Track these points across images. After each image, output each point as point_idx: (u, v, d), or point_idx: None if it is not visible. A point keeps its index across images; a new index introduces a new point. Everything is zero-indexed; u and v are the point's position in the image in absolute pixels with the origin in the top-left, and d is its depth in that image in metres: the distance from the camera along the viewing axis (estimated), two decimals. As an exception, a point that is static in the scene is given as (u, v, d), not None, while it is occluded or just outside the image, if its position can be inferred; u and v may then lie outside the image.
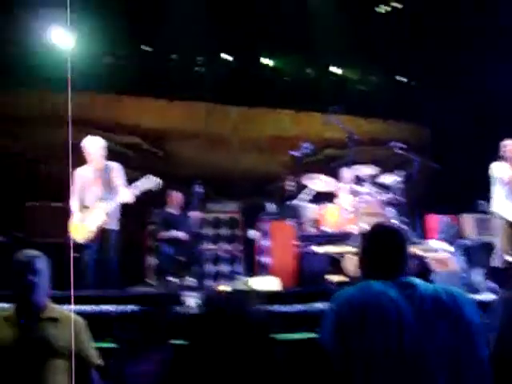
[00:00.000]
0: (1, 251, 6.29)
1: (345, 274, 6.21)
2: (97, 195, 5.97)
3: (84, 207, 5.96)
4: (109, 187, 6.02)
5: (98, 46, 8.37)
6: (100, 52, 8.55)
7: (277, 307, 4.45)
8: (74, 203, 5.94)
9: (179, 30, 7.79)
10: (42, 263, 3.10)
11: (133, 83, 8.91)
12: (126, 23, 7.87)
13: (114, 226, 6.03)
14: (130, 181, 6.11)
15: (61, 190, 5.79)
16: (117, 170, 6.14)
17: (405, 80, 10.68)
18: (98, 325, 3.71)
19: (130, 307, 4.26)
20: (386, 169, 7.20)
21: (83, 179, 6.02)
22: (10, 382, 2.89)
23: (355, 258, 5.58)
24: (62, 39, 7.89)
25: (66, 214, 6.03)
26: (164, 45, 8.73)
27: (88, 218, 5.90)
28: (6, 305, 3.33)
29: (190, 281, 7.11)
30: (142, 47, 8.85)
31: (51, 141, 8.29)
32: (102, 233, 5.91)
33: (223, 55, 9.20)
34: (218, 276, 8.32)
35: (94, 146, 6.04)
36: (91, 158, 6.04)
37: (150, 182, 5.96)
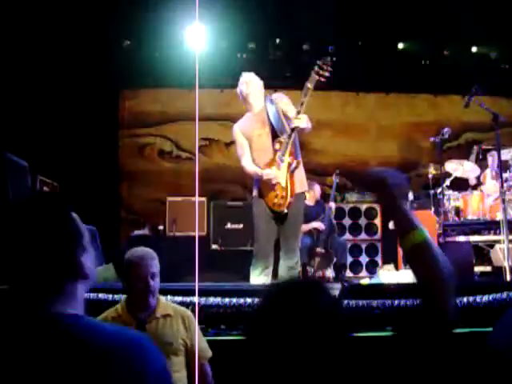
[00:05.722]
0: (145, 244, 6.65)
1: (491, 265, 5.89)
2: None
3: None
4: None
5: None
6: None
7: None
8: None
9: (309, 19, 7.73)
10: (158, 263, 2.99)
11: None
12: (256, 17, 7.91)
13: None
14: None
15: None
16: None
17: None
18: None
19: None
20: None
21: None
22: None
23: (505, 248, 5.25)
24: (194, 37, 7.98)
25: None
26: (295, 36, 8.71)
27: None
28: (122, 296, 3.29)
29: (329, 272, 7.06)
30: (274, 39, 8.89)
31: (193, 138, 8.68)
32: None
33: (355, 41, 8.96)
34: (356, 266, 8.22)
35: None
36: None
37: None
